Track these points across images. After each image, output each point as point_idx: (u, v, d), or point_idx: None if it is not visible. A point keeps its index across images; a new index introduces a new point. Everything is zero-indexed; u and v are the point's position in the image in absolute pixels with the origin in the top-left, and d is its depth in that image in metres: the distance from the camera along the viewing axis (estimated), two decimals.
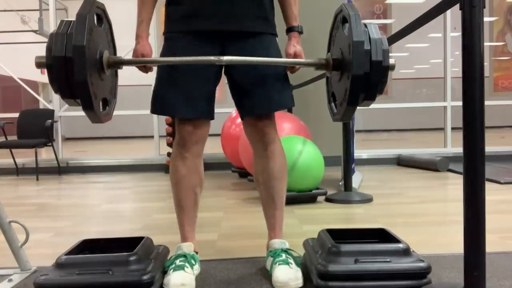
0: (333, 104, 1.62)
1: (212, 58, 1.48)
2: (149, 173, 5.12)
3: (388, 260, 1.50)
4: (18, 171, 5.29)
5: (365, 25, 1.42)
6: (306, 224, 2.55)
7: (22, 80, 5.78)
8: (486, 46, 11.29)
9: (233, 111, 4.19)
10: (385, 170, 4.86)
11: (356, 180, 3.70)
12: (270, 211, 1.77)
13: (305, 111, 4.37)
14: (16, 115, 5.45)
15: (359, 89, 1.39)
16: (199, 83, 1.62)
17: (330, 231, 1.70)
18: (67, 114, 5.59)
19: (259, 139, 1.70)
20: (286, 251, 1.68)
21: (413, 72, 12.93)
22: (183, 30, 1.62)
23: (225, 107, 5.23)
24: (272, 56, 1.64)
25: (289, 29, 1.71)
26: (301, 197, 3.04)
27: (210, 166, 4.91)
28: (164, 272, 1.61)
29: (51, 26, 5.66)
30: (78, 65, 1.30)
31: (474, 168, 1.25)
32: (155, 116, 5.47)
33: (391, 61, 1.43)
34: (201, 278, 1.66)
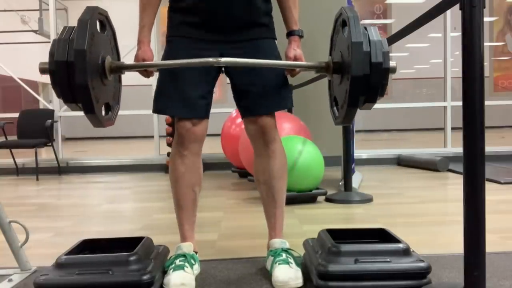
0: (335, 108, 1.62)
1: (210, 60, 1.48)
2: (149, 173, 5.12)
3: (388, 260, 1.50)
4: (18, 171, 5.29)
5: (365, 28, 1.42)
6: (306, 224, 2.55)
7: (22, 80, 5.78)
8: (486, 46, 11.27)
9: (233, 111, 4.19)
10: (385, 170, 4.86)
11: (356, 180, 3.70)
12: (271, 210, 1.77)
13: (305, 111, 4.36)
14: (16, 115, 5.45)
15: (359, 90, 1.39)
16: (198, 84, 1.64)
17: (330, 231, 1.70)
18: (67, 114, 5.59)
19: (259, 138, 1.71)
20: (286, 250, 1.69)
21: (413, 72, 12.93)
22: (183, 35, 1.66)
23: (225, 107, 5.23)
24: (271, 58, 1.65)
25: (290, 33, 1.72)
26: (301, 197, 3.04)
27: (210, 166, 4.92)
28: (164, 272, 1.61)
29: (51, 26, 5.66)
30: (78, 68, 1.31)
31: (474, 168, 1.25)
32: (155, 116, 5.47)
33: (392, 63, 1.43)
34: (201, 278, 1.66)
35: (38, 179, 4.83)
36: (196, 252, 1.74)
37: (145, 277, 1.46)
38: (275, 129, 1.72)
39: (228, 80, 1.74)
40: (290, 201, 2.82)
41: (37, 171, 4.94)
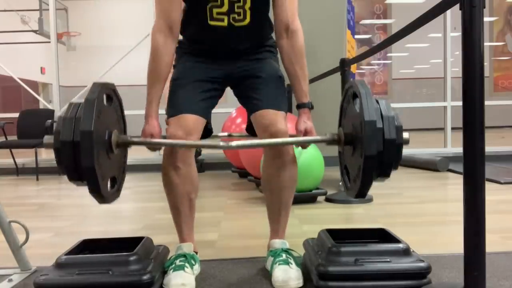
0: (346, 177, 1.64)
1: (221, 143, 1.51)
2: (149, 173, 5.12)
3: (388, 260, 1.50)
4: (18, 171, 5.29)
5: (377, 101, 1.42)
6: (306, 224, 2.55)
7: (22, 80, 5.78)
8: (486, 46, 11.29)
9: (233, 111, 4.19)
10: None
11: None
12: (275, 216, 1.76)
13: None
14: (16, 115, 5.45)
15: (372, 168, 1.40)
16: (201, 93, 1.67)
17: (330, 231, 1.70)
18: None
19: (272, 147, 1.66)
20: (286, 251, 1.68)
21: (413, 72, 12.93)
22: (191, 60, 1.73)
23: (225, 107, 5.23)
24: (275, 79, 1.71)
25: (300, 105, 1.71)
26: (301, 197, 3.03)
27: (210, 166, 4.91)
28: (164, 272, 1.61)
29: (51, 26, 5.66)
30: (85, 150, 1.32)
31: (474, 168, 1.25)
32: None
33: (405, 135, 1.44)
34: (201, 278, 1.66)
35: (38, 179, 4.83)
36: (196, 253, 1.74)
37: (145, 277, 1.46)
38: (288, 137, 1.68)
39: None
40: None
41: (37, 171, 4.94)
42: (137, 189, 4.14)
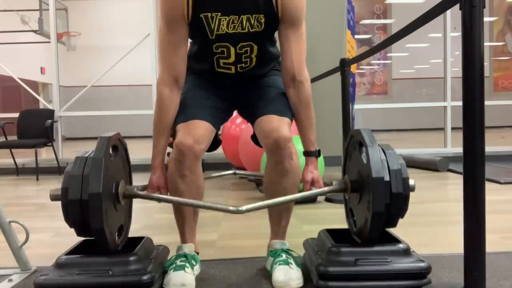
0: (351, 219, 1.68)
1: (231, 208, 1.51)
2: (149, 173, 5.11)
3: (388, 260, 1.50)
4: (18, 171, 5.29)
5: (383, 150, 1.44)
6: (306, 224, 2.55)
7: (22, 80, 5.77)
8: (486, 46, 11.28)
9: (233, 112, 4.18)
10: None
11: None
12: (276, 219, 1.75)
13: None
14: (16, 115, 5.45)
15: (380, 222, 1.45)
16: (211, 105, 1.70)
17: (330, 231, 1.70)
18: (67, 114, 5.59)
19: (275, 151, 1.61)
20: (286, 251, 1.68)
21: (413, 72, 12.93)
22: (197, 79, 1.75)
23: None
24: (279, 92, 1.71)
25: (306, 153, 1.71)
26: (301, 197, 3.03)
27: (210, 166, 4.91)
28: (164, 272, 1.61)
29: (51, 26, 5.66)
30: (93, 212, 1.35)
31: (474, 168, 1.25)
32: None
33: (411, 183, 1.47)
34: (201, 278, 1.66)
35: (38, 179, 4.83)
36: (197, 253, 1.74)
37: (145, 277, 1.46)
38: (292, 144, 1.62)
39: None
40: None
41: (37, 171, 4.94)
42: None
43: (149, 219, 2.85)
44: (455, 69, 4.82)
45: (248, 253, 1.95)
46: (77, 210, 1.37)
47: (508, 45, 12.75)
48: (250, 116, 1.73)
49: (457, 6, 1.28)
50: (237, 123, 4.04)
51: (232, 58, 1.62)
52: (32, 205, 3.47)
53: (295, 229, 2.41)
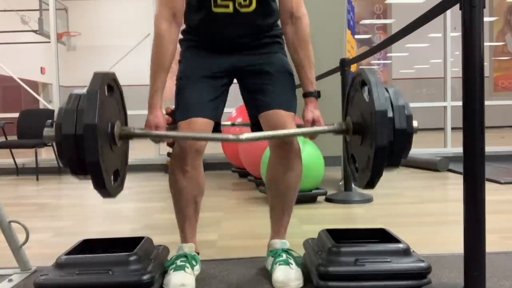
0: (353, 166, 1.61)
1: (231, 136, 1.47)
2: (149, 173, 5.12)
3: (388, 260, 1.50)
4: (18, 171, 5.29)
5: (386, 89, 1.41)
6: (306, 224, 2.55)
7: (22, 80, 5.77)
8: (486, 46, 11.28)
9: (233, 111, 4.18)
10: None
11: None
12: (278, 216, 1.76)
13: None
14: (16, 115, 5.45)
15: (383, 159, 1.37)
16: (208, 92, 1.64)
17: (330, 231, 1.70)
18: None
19: (280, 146, 1.65)
20: (286, 251, 1.68)
21: (413, 72, 12.93)
22: (195, 53, 1.69)
23: (225, 107, 5.22)
24: (283, 73, 1.67)
25: (306, 94, 1.68)
26: (301, 197, 3.03)
27: (210, 166, 4.91)
28: (164, 272, 1.61)
29: (51, 26, 5.66)
30: (89, 145, 1.27)
31: (474, 168, 1.25)
32: None
33: (415, 123, 1.42)
34: (201, 278, 1.66)
35: (38, 179, 4.83)
36: (198, 253, 1.74)
37: (145, 277, 1.46)
38: (296, 140, 1.66)
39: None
40: None
41: (37, 171, 4.93)
42: (137, 189, 4.13)
43: (149, 219, 2.85)
44: (455, 69, 4.82)
45: (248, 253, 1.95)
46: (72, 146, 1.29)
47: (508, 45, 12.75)
48: (252, 102, 1.70)
49: (457, 6, 1.28)
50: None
51: None
52: (32, 205, 3.47)
53: (295, 229, 2.41)
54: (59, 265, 1.51)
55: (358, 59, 3.23)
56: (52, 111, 5.40)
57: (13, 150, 5.24)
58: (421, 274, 1.48)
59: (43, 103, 6.76)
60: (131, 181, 4.60)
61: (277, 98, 1.63)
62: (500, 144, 6.14)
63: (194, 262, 1.65)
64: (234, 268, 1.77)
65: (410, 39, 2.17)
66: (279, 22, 1.70)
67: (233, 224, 2.63)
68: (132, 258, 1.50)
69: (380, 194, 3.31)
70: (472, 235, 1.26)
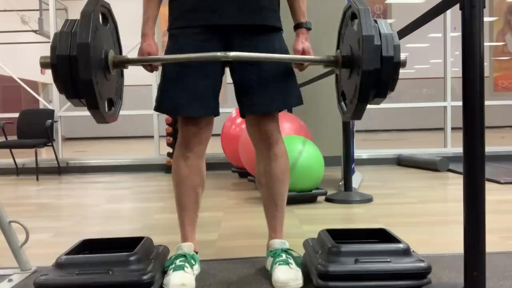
0: (343, 103, 1.58)
1: (218, 54, 1.46)
2: (149, 173, 5.12)
3: (388, 260, 1.50)
4: (18, 171, 5.29)
5: (375, 21, 1.39)
6: (306, 224, 2.55)
7: (22, 80, 5.77)
8: (486, 46, 11.27)
9: (233, 111, 4.19)
10: (385, 170, 4.86)
11: (356, 180, 3.70)
12: (271, 212, 1.77)
13: (305, 111, 4.35)
14: (16, 115, 5.45)
15: (369, 85, 1.35)
16: (206, 81, 1.60)
17: (330, 231, 1.70)
18: (67, 114, 5.59)
19: (261, 141, 1.68)
20: (286, 251, 1.68)
21: (413, 72, 12.92)
22: (186, 26, 1.60)
23: (225, 107, 5.23)
24: (277, 52, 1.61)
25: (297, 26, 1.68)
26: (301, 197, 3.04)
27: (210, 166, 4.88)
28: (164, 272, 1.61)
29: (51, 26, 5.66)
30: (82, 63, 1.27)
31: (474, 168, 1.25)
32: (155, 116, 5.47)
33: (402, 56, 1.39)
34: (201, 278, 1.66)
35: (38, 179, 4.83)
36: (196, 252, 1.74)
37: (145, 277, 1.46)
38: (278, 132, 1.69)
39: (229, 80, 1.73)
40: (290, 201, 2.80)
41: (37, 171, 4.94)
42: (137, 189, 4.14)
43: (149, 219, 2.85)
44: (455, 69, 4.82)
45: (248, 253, 1.95)
46: (66, 67, 1.29)
47: (508, 45, 12.73)
48: (238, 100, 1.67)
49: (457, 6, 1.28)
50: (237, 123, 4.04)
51: None
52: (32, 205, 3.47)
53: (295, 229, 2.41)
54: (59, 265, 1.51)
55: None
56: (52, 111, 5.40)
57: (13, 150, 5.24)
58: (421, 274, 1.48)
59: (43, 103, 6.76)
60: (131, 181, 4.63)
61: (262, 99, 1.61)
62: (500, 144, 6.14)
63: (193, 262, 1.65)
64: (234, 268, 1.77)
65: (410, 39, 2.16)
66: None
67: (233, 224, 2.63)
68: (132, 258, 1.50)
69: (380, 194, 3.31)
70: (472, 235, 1.26)
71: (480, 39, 1.23)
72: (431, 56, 11.42)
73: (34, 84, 11.75)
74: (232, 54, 1.45)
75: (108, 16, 1.46)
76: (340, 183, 3.50)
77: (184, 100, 1.58)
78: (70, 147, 9.04)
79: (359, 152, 5.20)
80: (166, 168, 5.05)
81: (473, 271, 1.26)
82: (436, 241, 2.17)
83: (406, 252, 1.54)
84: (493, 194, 3.27)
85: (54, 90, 5.67)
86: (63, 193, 4.12)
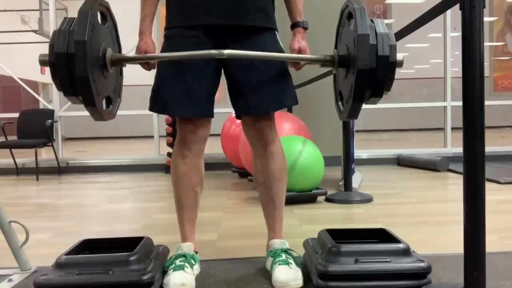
0: (340, 103, 1.58)
1: (213, 52, 1.46)
2: (149, 173, 5.12)
3: (388, 260, 1.50)
4: (18, 171, 5.29)
5: (372, 20, 1.39)
6: (306, 224, 2.55)
7: (22, 80, 5.77)
8: (486, 46, 11.28)
9: (233, 111, 4.19)
10: (385, 170, 4.86)
11: (356, 180, 3.70)
12: (270, 211, 1.77)
13: (305, 111, 4.36)
14: (16, 115, 5.45)
15: (365, 84, 1.35)
16: (200, 82, 1.60)
17: (330, 231, 1.70)
18: (67, 114, 5.59)
19: (258, 140, 1.69)
20: (286, 251, 1.68)
21: (413, 72, 12.93)
22: (183, 25, 1.60)
23: (225, 107, 5.22)
24: (273, 52, 1.60)
25: (294, 25, 1.68)
26: (301, 197, 3.04)
27: (210, 166, 4.91)
28: (164, 272, 1.61)
29: (51, 26, 5.66)
30: (79, 60, 1.28)
31: (474, 168, 1.25)
32: (155, 116, 5.47)
33: (399, 56, 1.38)
34: (201, 278, 1.66)
35: (38, 179, 4.83)
36: (196, 252, 1.74)
37: (145, 277, 1.46)
38: (274, 130, 1.69)
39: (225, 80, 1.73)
40: (290, 201, 2.82)
41: (37, 171, 4.94)
42: (137, 189, 4.14)
43: (149, 219, 2.85)
44: (455, 69, 4.82)
45: (248, 253, 1.95)
46: (64, 65, 1.31)
47: (508, 45, 12.75)
48: (232, 102, 1.70)
49: (457, 6, 1.28)
50: (237, 123, 4.04)
51: None
52: (32, 205, 3.47)
53: (295, 229, 2.41)
54: (59, 265, 1.51)
55: None
56: (52, 111, 5.40)
57: (13, 150, 5.24)
58: (421, 274, 1.49)
59: (43, 103, 6.76)
60: (131, 181, 4.63)
61: (256, 101, 1.62)
62: (500, 144, 6.14)
63: (193, 262, 1.65)
64: (234, 268, 1.77)
65: (410, 39, 2.17)
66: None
67: (233, 224, 2.63)
68: (132, 258, 1.50)
69: (380, 194, 3.32)
70: (472, 235, 1.26)
71: (480, 39, 1.23)
72: (431, 56, 11.43)
73: (34, 84, 11.74)
74: (227, 52, 1.45)
75: (106, 15, 1.46)
76: (340, 183, 3.50)
77: (176, 100, 1.59)
78: (70, 147, 9.04)
79: (359, 152, 5.19)
80: (166, 168, 5.05)
81: (473, 271, 1.26)
82: (436, 241, 2.17)
83: (406, 252, 1.54)
84: (493, 194, 3.27)
85: (54, 90, 5.67)
86: (63, 193, 4.12)
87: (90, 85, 1.30)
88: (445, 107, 5.50)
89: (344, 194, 3.23)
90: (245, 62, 1.60)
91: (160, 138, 5.52)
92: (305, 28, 1.68)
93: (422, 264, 1.49)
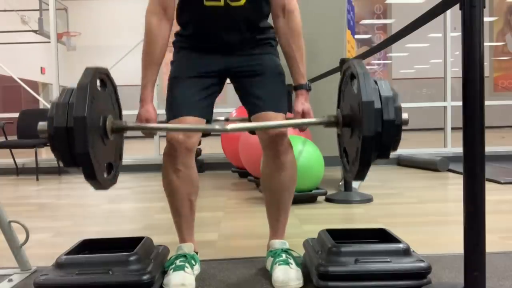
0: (345, 159, 1.60)
1: (217, 127, 1.48)
2: (149, 173, 5.12)
3: (388, 260, 1.50)
4: (18, 171, 5.29)
5: (375, 82, 1.41)
6: (306, 224, 2.55)
7: (22, 80, 5.77)
8: (486, 46, 11.28)
9: (233, 111, 4.19)
10: (385, 170, 4.86)
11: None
12: (274, 216, 1.76)
13: None
14: (16, 115, 5.45)
15: (370, 149, 1.36)
16: (201, 93, 1.65)
17: (330, 231, 1.70)
18: None
19: (272, 148, 1.66)
20: (286, 251, 1.68)
21: (413, 72, 12.93)
22: (189, 51, 1.69)
23: (225, 107, 5.23)
24: (275, 75, 1.69)
25: (297, 87, 1.69)
26: (301, 197, 3.03)
27: (210, 166, 4.91)
28: (164, 272, 1.61)
29: (51, 26, 5.66)
30: (78, 136, 1.29)
31: (474, 168, 1.25)
32: None
33: (404, 116, 1.40)
34: (201, 278, 1.66)
35: (38, 179, 4.83)
36: (196, 253, 1.74)
37: (145, 277, 1.46)
38: (288, 139, 1.68)
39: (228, 80, 1.74)
40: None
41: (37, 171, 4.93)
42: (137, 189, 4.14)
43: (149, 219, 2.85)
44: (455, 69, 4.82)
45: (248, 253, 1.95)
46: (64, 138, 1.32)
47: (508, 45, 12.76)
48: (245, 104, 1.71)
49: (457, 6, 1.28)
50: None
51: None
52: (32, 205, 3.47)
53: (295, 229, 2.41)
54: (59, 265, 1.51)
55: (358, 59, 3.23)
56: None
57: (13, 150, 5.24)
58: (421, 274, 1.49)
59: (43, 103, 6.76)
60: (131, 181, 4.62)
61: (267, 100, 1.65)
62: (500, 144, 6.14)
63: (193, 262, 1.65)
64: (234, 268, 1.77)
65: (410, 39, 2.17)
66: (272, 26, 1.71)
67: (233, 224, 2.63)
68: (132, 258, 1.50)
69: (380, 194, 3.31)
70: (472, 235, 1.26)
71: (480, 39, 1.23)
72: (431, 56, 11.43)
73: (34, 84, 11.74)
74: (230, 127, 1.45)
75: (106, 81, 1.47)
76: (340, 183, 3.50)
77: (179, 105, 1.62)
78: None
79: None
80: None
81: (473, 271, 1.26)
82: (436, 241, 2.17)
83: (406, 252, 1.54)
84: (493, 194, 3.27)
85: (54, 90, 5.67)
86: (63, 193, 4.12)
87: (90, 158, 1.31)
88: (445, 107, 5.50)
89: (344, 194, 3.23)
90: (249, 72, 1.67)
91: (160, 138, 5.52)
92: (308, 90, 1.70)
93: (422, 264, 1.49)
